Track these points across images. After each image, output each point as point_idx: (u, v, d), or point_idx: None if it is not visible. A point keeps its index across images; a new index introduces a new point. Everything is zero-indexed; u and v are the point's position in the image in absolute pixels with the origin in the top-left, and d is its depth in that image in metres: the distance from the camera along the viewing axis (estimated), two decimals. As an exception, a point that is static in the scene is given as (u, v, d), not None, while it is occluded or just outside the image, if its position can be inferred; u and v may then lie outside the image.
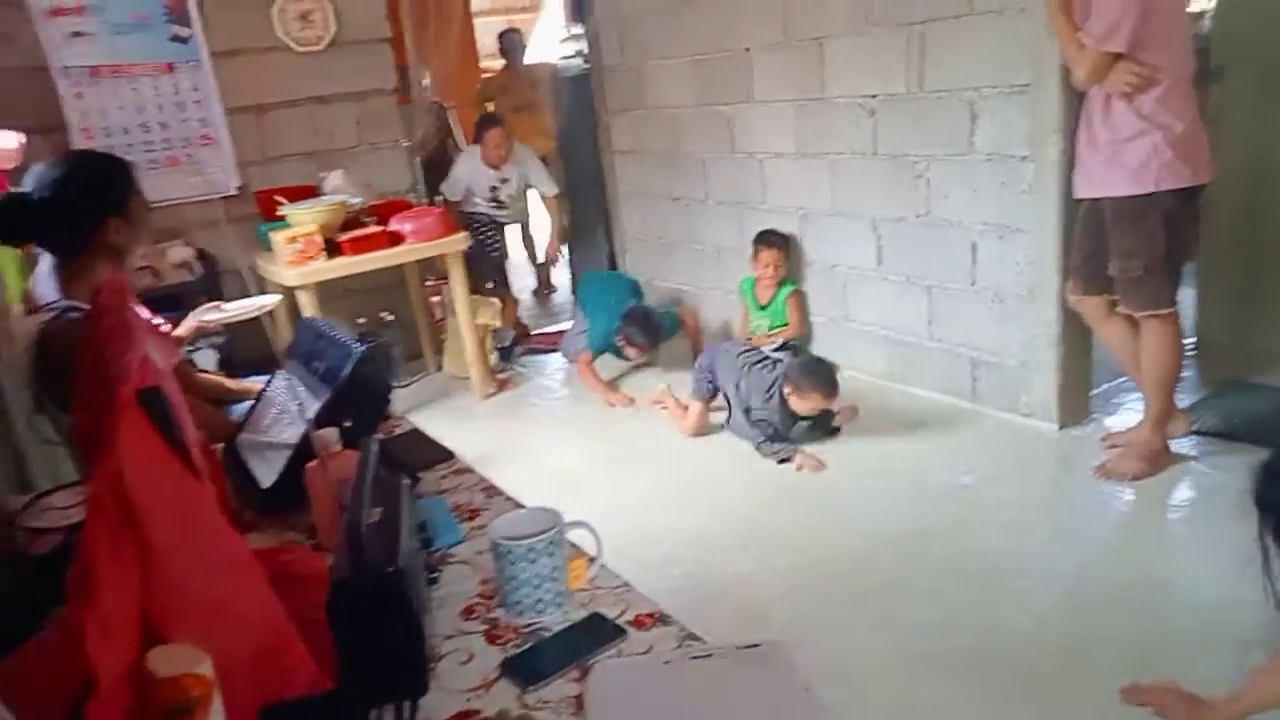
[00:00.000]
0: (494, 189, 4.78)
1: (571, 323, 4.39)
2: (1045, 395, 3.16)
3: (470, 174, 4.76)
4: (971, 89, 3.10)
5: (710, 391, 3.46)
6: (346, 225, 3.85)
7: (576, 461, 3.42)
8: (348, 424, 1.51)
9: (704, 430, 3.48)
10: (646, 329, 4.00)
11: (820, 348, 4.04)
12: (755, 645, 1.06)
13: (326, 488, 1.37)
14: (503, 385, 4.31)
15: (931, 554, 2.50)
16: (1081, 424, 3.16)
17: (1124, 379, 3.43)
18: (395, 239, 3.80)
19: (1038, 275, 3.06)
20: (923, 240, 3.44)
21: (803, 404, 3.15)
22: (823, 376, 3.16)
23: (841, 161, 3.69)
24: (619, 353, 4.10)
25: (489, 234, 4.83)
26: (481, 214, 4.83)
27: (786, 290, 3.99)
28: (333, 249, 3.70)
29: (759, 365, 3.32)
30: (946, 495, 2.81)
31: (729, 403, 3.40)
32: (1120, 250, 2.65)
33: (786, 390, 3.15)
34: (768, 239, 3.98)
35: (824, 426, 3.32)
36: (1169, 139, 2.49)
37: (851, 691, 1.97)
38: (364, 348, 1.58)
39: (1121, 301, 2.73)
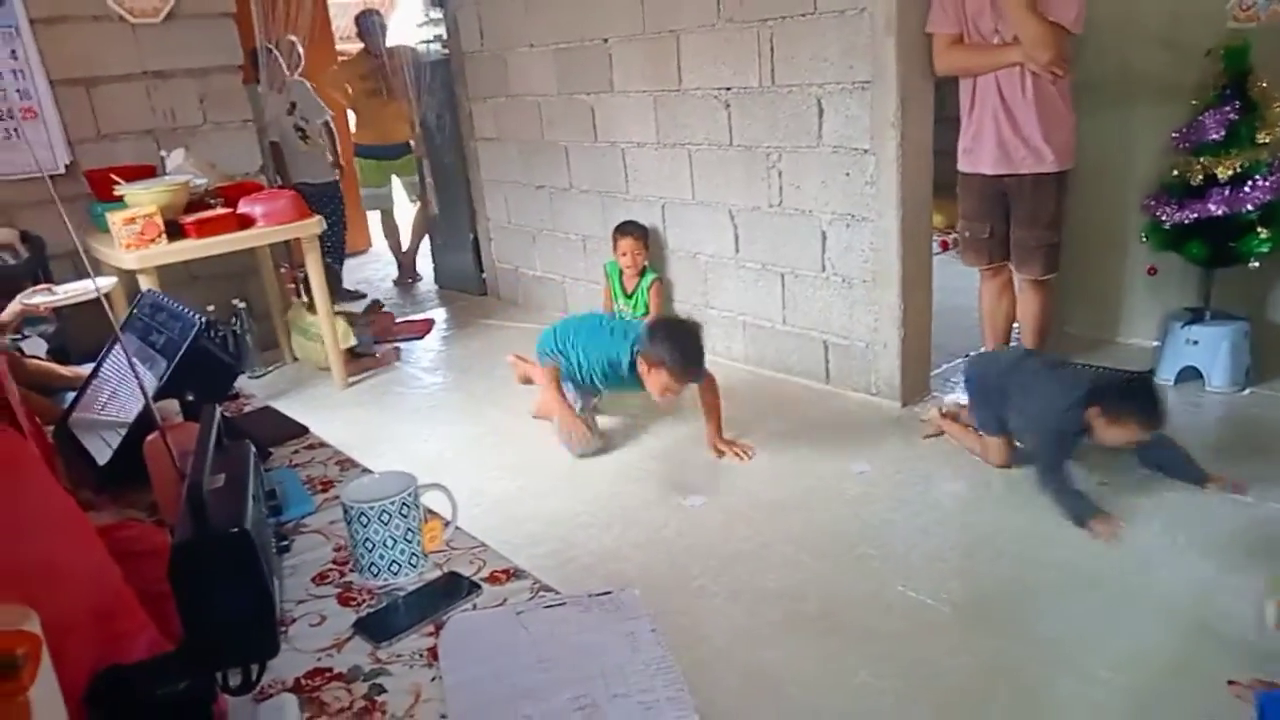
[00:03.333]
0: (290, 109, 4.90)
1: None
2: (890, 374, 3.36)
3: (271, 109, 4.81)
4: (818, 84, 3.25)
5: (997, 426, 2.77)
6: (191, 207, 3.67)
7: (442, 447, 3.39)
8: (190, 398, 1.47)
9: (1008, 462, 2.80)
10: (692, 347, 2.97)
11: (682, 334, 4.15)
12: (606, 593, 1.10)
13: (167, 460, 1.32)
14: (378, 362, 4.27)
15: (786, 525, 2.61)
16: (922, 400, 3.38)
17: (960, 359, 3.70)
18: (245, 222, 3.65)
19: (882, 261, 3.25)
20: (777, 229, 3.59)
21: (1113, 434, 2.48)
22: (1148, 402, 2.47)
23: (700, 152, 3.80)
24: (623, 384, 3.19)
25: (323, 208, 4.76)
26: (306, 184, 4.81)
27: (648, 279, 4.08)
28: (175, 232, 3.52)
29: (1048, 374, 2.69)
30: (800, 470, 2.94)
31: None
32: (1040, 221, 2.94)
33: (1092, 415, 2.47)
34: (625, 229, 4.06)
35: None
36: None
37: (707, 657, 2.05)
38: (205, 319, 1.52)
39: (1026, 269, 3.02)
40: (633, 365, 3.06)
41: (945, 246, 4.93)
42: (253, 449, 1.26)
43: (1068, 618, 2.10)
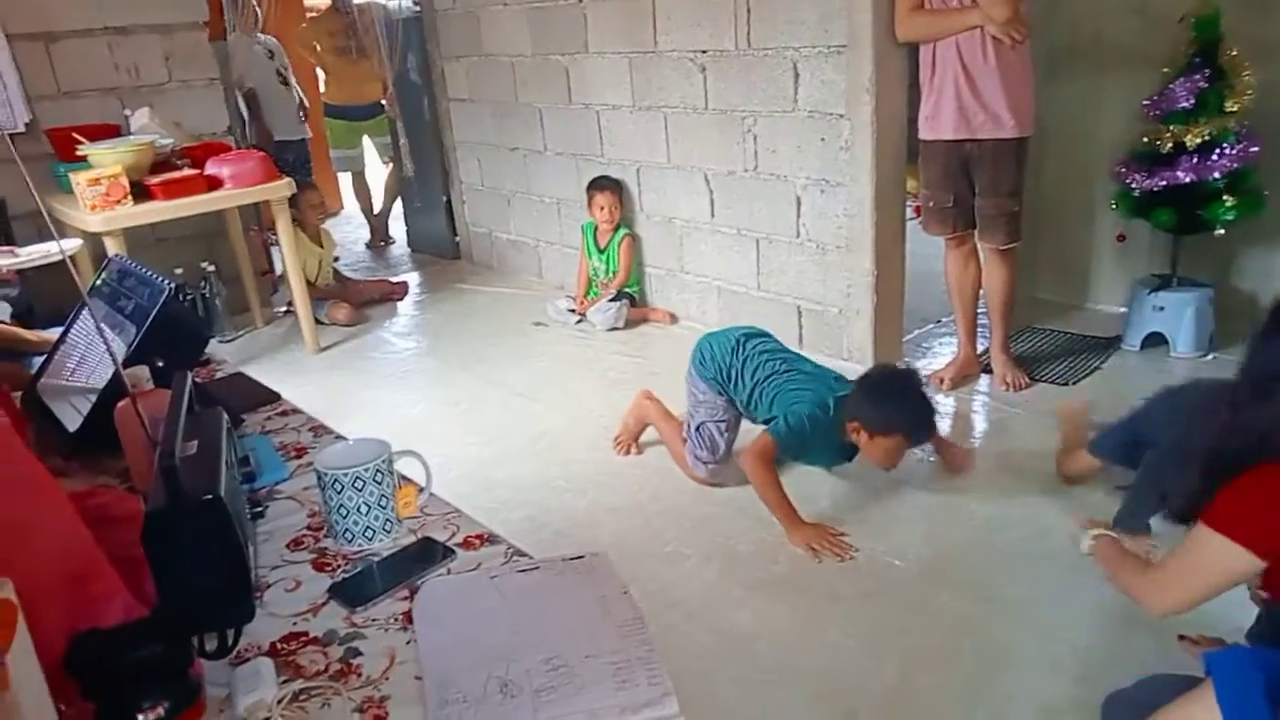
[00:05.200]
0: (270, 55, 4.82)
1: (691, 404, 2.72)
2: (863, 340, 3.39)
3: (244, 57, 4.72)
4: (794, 48, 3.23)
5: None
6: (156, 168, 3.60)
7: (417, 413, 3.38)
8: (160, 363, 1.46)
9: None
10: (924, 406, 2.42)
11: (658, 299, 4.16)
12: (579, 557, 1.12)
13: (138, 426, 1.32)
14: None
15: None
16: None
17: (932, 325, 3.74)
18: (212, 183, 3.59)
19: (855, 227, 3.26)
20: (752, 193, 3.59)
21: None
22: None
23: (675, 115, 3.77)
24: (828, 457, 2.60)
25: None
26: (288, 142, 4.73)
27: (620, 234, 4.07)
28: (141, 193, 3.45)
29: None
30: (772, 434, 2.97)
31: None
32: (1002, 189, 2.94)
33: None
34: (600, 183, 4.06)
35: None
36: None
37: (679, 618, 2.08)
38: (175, 284, 1.51)
39: (989, 238, 3.03)
40: (841, 428, 2.42)
41: (919, 212, 4.94)
42: (225, 416, 1.26)
43: (1031, 578, 2.16)
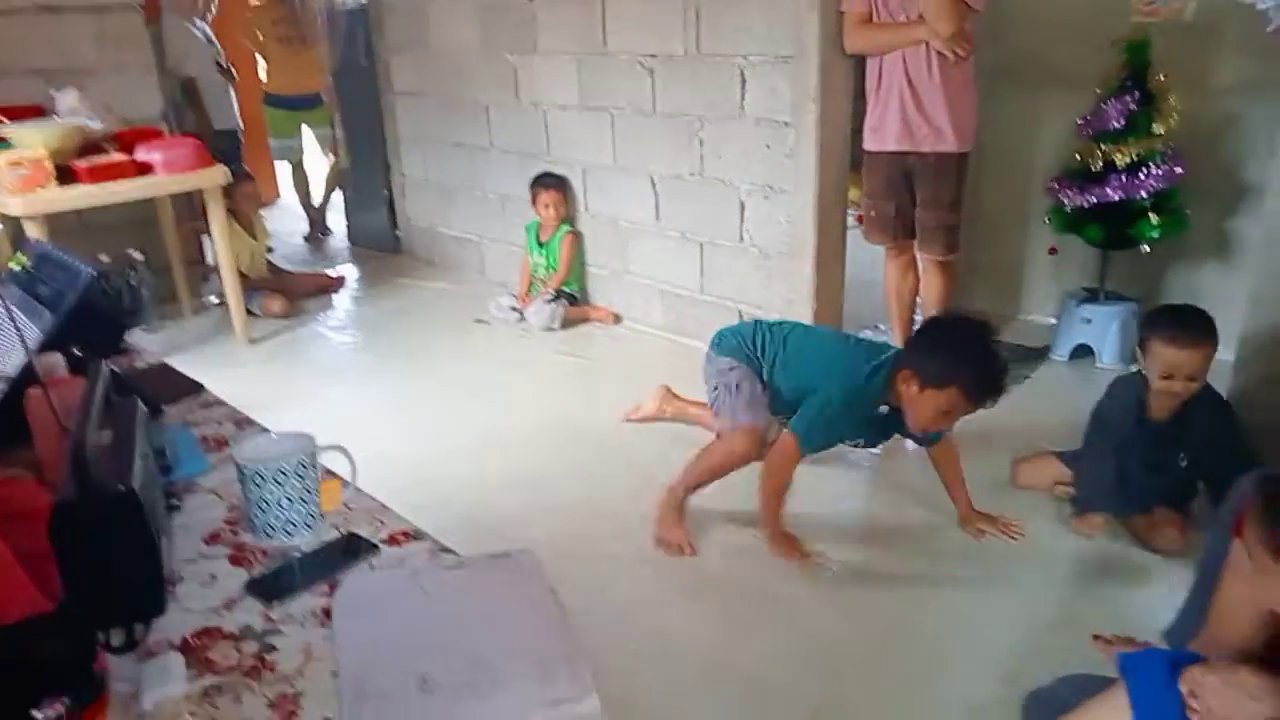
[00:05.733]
0: (210, 41, 4.69)
1: (718, 390, 2.44)
2: (801, 346, 3.42)
3: (180, 44, 4.55)
4: (742, 55, 3.26)
5: None
6: (84, 151, 3.47)
7: (351, 408, 3.31)
8: (77, 352, 1.40)
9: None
10: (994, 356, 2.09)
11: (601, 300, 4.15)
12: (505, 554, 1.11)
13: (50, 416, 1.27)
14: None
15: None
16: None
17: (869, 330, 3.79)
18: (142, 169, 3.48)
19: (797, 234, 3.30)
20: (697, 197, 3.60)
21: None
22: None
23: (623, 117, 3.77)
24: (860, 434, 2.38)
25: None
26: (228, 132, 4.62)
27: (563, 230, 4.06)
28: (66, 177, 3.33)
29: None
30: (713, 437, 2.98)
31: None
32: (941, 202, 3.01)
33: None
34: (545, 181, 4.04)
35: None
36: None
37: (610, 618, 2.07)
38: (95, 270, 1.46)
39: (928, 249, 3.09)
40: (879, 394, 2.17)
41: (861, 220, 5.02)
42: (142, 406, 1.22)
43: (963, 580, 2.20)
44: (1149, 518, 2.26)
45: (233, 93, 5.03)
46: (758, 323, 2.50)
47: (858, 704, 1.83)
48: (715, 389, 2.45)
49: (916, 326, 3.28)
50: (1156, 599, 2.01)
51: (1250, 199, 3.18)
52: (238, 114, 5.05)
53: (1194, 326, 2.15)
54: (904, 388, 2.08)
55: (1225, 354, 2.40)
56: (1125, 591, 2.15)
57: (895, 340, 3.32)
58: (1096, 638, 1.92)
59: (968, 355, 2.02)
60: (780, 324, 2.49)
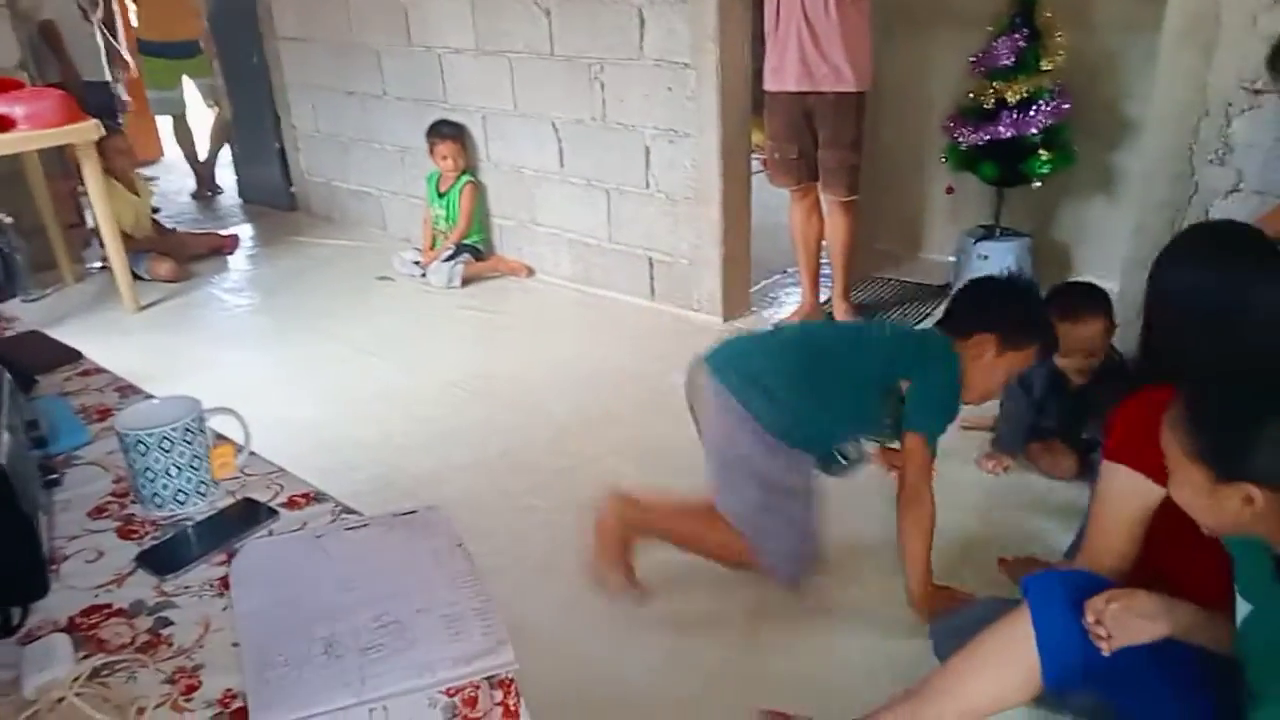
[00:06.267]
0: None
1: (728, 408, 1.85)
2: (712, 291, 3.43)
3: None
4: (640, -6, 3.20)
5: None
6: (-65, 106, 3.20)
7: (249, 373, 3.18)
8: (-68, 320, 1.30)
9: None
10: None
11: (509, 251, 4.07)
12: (411, 511, 1.08)
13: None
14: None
15: (612, 438, 2.65)
16: (743, 316, 3.49)
17: (779, 275, 3.83)
18: (3, 124, 3.22)
19: (703, 178, 3.28)
20: (601, 143, 3.54)
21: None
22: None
23: (520, 60, 3.67)
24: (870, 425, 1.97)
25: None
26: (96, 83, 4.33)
27: (462, 180, 3.95)
28: (-83, 134, 3.07)
29: None
30: (626, 384, 2.98)
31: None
32: (842, 141, 3.02)
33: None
34: (440, 131, 3.92)
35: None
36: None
37: (528, 573, 2.06)
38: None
39: (832, 189, 3.10)
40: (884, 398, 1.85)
41: (766, 164, 5.05)
42: (7, 376, 1.13)
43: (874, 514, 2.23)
44: (1047, 445, 2.37)
45: (103, 39, 4.68)
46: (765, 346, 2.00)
47: (773, 627, 1.87)
48: (756, 508, 1.80)
49: (824, 269, 3.36)
50: (1058, 522, 2.12)
51: (1131, 134, 3.31)
52: (106, 64, 4.71)
53: (1083, 304, 2.21)
54: (976, 353, 1.83)
55: (1112, 284, 2.50)
56: (1029, 516, 2.24)
57: (804, 283, 3.35)
58: (1001, 561, 2.00)
59: (1038, 312, 1.92)
60: (782, 350, 1.94)
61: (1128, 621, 1.18)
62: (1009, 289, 1.93)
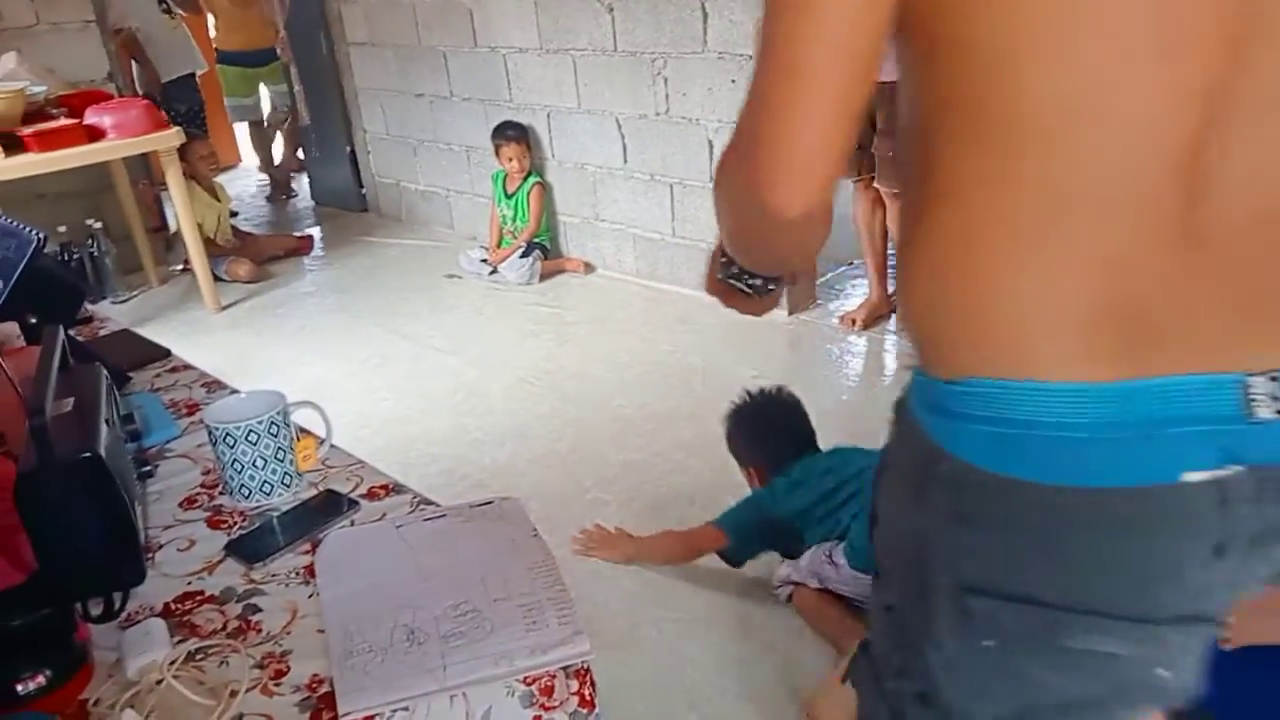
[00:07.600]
0: None
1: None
2: (775, 284, 3.40)
3: None
4: (703, -13, 3.18)
5: None
6: (29, 118, 3.36)
7: (326, 370, 3.28)
8: (33, 320, 1.36)
9: None
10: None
11: (573, 248, 4.10)
12: (488, 502, 1.09)
13: (7, 385, 1.23)
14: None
15: (678, 433, 2.65)
16: (809, 310, 3.45)
17: (845, 267, 3.78)
18: (93, 134, 3.37)
19: (767, 170, 3.25)
20: (664, 138, 3.54)
21: None
22: None
23: (584, 58, 3.68)
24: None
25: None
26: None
27: (530, 181, 3.98)
28: (13, 145, 3.22)
29: None
30: (693, 379, 2.98)
31: None
32: (890, 130, 2.92)
33: None
34: (505, 133, 3.94)
35: None
36: None
37: (601, 565, 2.08)
38: (41, 235, 1.40)
39: (887, 179, 3.03)
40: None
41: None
42: (104, 372, 1.18)
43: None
44: None
45: (186, 29, 4.85)
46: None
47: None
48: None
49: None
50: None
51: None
52: (198, 54, 4.88)
53: None
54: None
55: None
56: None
57: (871, 275, 3.30)
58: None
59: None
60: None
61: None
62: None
